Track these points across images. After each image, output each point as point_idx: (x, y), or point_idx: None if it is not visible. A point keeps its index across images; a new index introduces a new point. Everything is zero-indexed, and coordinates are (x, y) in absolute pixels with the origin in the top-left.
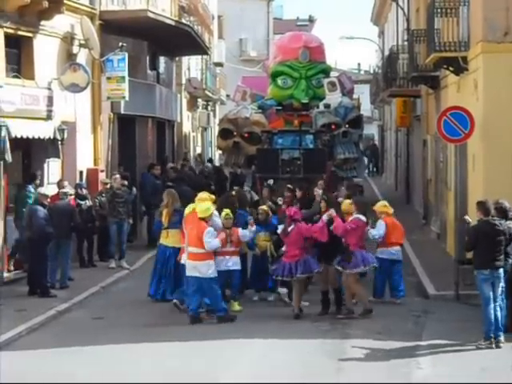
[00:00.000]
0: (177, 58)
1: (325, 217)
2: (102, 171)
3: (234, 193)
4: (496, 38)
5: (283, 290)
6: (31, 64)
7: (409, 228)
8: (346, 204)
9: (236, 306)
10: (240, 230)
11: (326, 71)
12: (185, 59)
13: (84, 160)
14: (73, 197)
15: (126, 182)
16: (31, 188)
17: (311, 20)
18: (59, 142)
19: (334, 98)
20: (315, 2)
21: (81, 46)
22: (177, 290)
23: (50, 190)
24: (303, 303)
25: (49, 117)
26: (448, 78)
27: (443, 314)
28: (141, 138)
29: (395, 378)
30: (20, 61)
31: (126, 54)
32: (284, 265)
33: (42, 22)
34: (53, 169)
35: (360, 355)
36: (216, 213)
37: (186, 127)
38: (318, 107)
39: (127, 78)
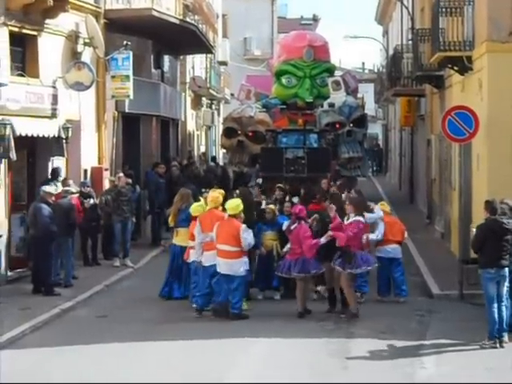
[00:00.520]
0: (181, 57)
1: (323, 239)
2: (106, 169)
3: (237, 191)
4: (501, 38)
5: (322, 288)
6: (36, 62)
7: (413, 227)
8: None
9: (245, 305)
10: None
11: (331, 70)
12: (189, 58)
13: (88, 158)
14: (76, 195)
15: (130, 181)
16: (53, 186)
17: (315, 19)
18: (64, 141)
19: (338, 97)
20: (319, 1)
21: (85, 44)
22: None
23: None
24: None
25: (53, 115)
26: (452, 77)
27: (447, 313)
28: (145, 137)
29: (399, 377)
30: (25, 59)
31: (131, 53)
32: (285, 262)
33: (47, 21)
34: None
35: (364, 354)
36: None
37: (190, 126)
38: (322, 106)
39: (132, 77)
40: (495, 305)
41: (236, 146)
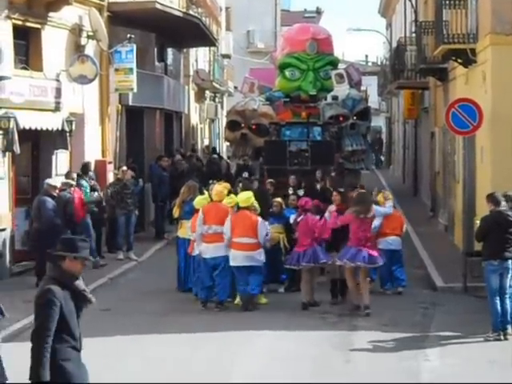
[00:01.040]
0: (184, 50)
1: (327, 214)
2: (109, 163)
3: (240, 184)
4: (505, 30)
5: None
6: (39, 55)
7: (416, 220)
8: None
9: (263, 299)
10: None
11: (334, 63)
12: (192, 51)
13: (92, 152)
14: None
15: (133, 174)
16: (83, 181)
17: (319, 12)
18: (67, 134)
19: (341, 90)
20: None
21: (89, 37)
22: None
23: (57, 181)
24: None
25: (57, 108)
26: (456, 70)
27: (451, 306)
28: (149, 130)
29: (403, 369)
30: (28, 52)
31: (134, 46)
32: (293, 254)
33: (50, 14)
34: (61, 160)
35: (368, 347)
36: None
37: (194, 119)
38: (325, 99)
39: (135, 70)
40: (497, 297)
41: (240, 139)
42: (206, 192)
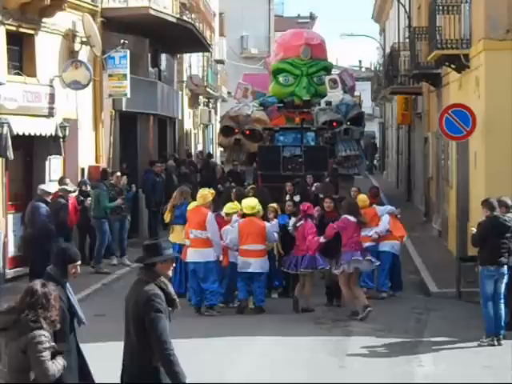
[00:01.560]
0: (178, 56)
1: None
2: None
3: (234, 190)
4: (498, 36)
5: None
6: (33, 61)
7: (410, 225)
8: (361, 200)
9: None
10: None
11: (328, 68)
12: (186, 56)
13: (86, 157)
14: (74, 194)
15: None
16: (103, 185)
17: (312, 17)
18: (61, 139)
19: (335, 96)
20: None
21: (82, 43)
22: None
23: (51, 187)
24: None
25: (50, 114)
26: (450, 75)
27: (445, 311)
28: (142, 135)
29: (397, 375)
30: (22, 58)
31: (128, 52)
32: (291, 258)
33: (44, 19)
34: (54, 166)
35: (362, 352)
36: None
37: (188, 124)
38: (319, 104)
39: (129, 76)
40: (491, 302)
41: (233, 144)
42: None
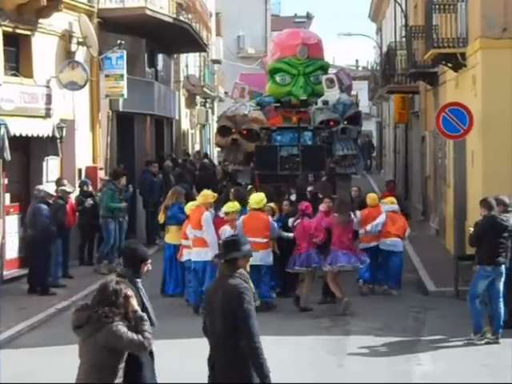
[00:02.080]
0: (175, 56)
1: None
2: (100, 169)
3: (232, 190)
4: (494, 34)
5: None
6: (29, 62)
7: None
8: (372, 198)
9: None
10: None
11: (325, 68)
12: (183, 56)
13: (83, 158)
14: (73, 195)
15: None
16: (111, 185)
17: (309, 17)
18: (58, 140)
19: (332, 95)
20: None
21: (79, 43)
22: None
23: (49, 187)
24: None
25: (47, 115)
26: (446, 74)
27: (443, 310)
28: (139, 136)
29: (396, 374)
30: (18, 59)
31: (125, 52)
32: (292, 257)
33: (40, 20)
34: (52, 167)
35: (361, 351)
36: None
37: (185, 124)
38: (316, 104)
39: (125, 76)
40: (478, 300)
41: (230, 144)
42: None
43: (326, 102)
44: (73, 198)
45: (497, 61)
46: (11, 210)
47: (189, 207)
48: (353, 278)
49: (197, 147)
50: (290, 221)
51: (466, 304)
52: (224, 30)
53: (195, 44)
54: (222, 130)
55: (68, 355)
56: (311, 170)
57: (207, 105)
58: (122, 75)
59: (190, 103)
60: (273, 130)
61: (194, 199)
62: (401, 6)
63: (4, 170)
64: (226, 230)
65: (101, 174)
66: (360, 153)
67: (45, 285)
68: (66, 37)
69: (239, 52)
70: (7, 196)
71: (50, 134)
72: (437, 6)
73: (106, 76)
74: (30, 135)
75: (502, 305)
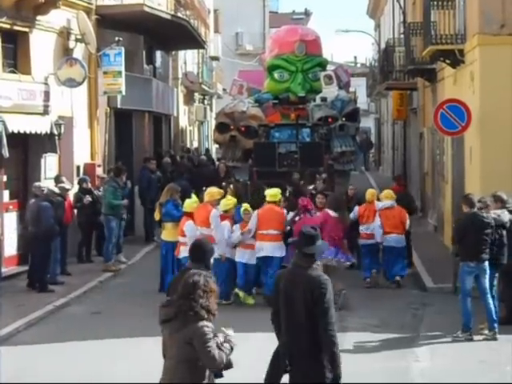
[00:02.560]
0: (173, 52)
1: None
2: (98, 166)
3: (231, 186)
4: (492, 31)
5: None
6: (28, 59)
7: None
8: (371, 193)
9: (250, 300)
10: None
11: (323, 64)
12: (181, 53)
13: (81, 155)
14: (71, 192)
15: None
16: (113, 182)
17: (307, 13)
18: (56, 137)
19: (330, 92)
20: None
21: (77, 40)
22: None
23: (51, 185)
24: None
25: (45, 112)
26: (444, 70)
27: (441, 306)
28: (137, 133)
29: (393, 370)
30: (16, 56)
31: (123, 49)
32: (288, 253)
33: (38, 17)
34: (50, 164)
35: (358, 348)
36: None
37: (183, 121)
38: (314, 100)
39: (124, 73)
40: (469, 298)
41: (229, 141)
42: (193, 195)
43: (324, 99)
44: (71, 195)
45: (495, 57)
46: (10, 206)
47: (189, 205)
48: (353, 273)
49: (195, 144)
50: (290, 216)
51: None
52: (222, 27)
53: (193, 41)
54: (220, 127)
55: (66, 352)
56: (309, 166)
57: (205, 102)
58: (120, 72)
59: (188, 100)
60: (271, 127)
61: (190, 196)
62: (399, 2)
63: (2, 167)
64: (226, 225)
65: (99, 170)
66: (358, 149)
67: (43, 282)
68: (64, 34)
69: (237, 49)
70: (6, 193)
71: (48, 131)
72: (435, 3)
73: (104, 73)
74: (28, 132)
75: (490, 300)
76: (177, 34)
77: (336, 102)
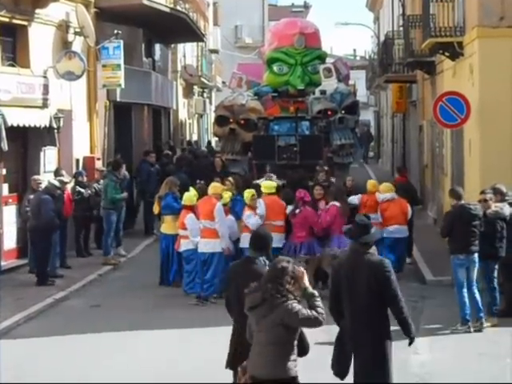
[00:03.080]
0: (172, 45)
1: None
2: (98, 159)
3: (231, 178)
4: (492, 23)
5: None
6: (26, 52)
7: None
8: (372, 184)
9: None
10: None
11: (322, 57)
12: (180, 46)
13: (80, 148)
14: (69, 186)
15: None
16: (112, 176)
17: (306, 6)
18: (55, 130)
19: (329, 84)
20: None
21: (76, 33)
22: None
23: (46, 178)
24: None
25: (45, 105)
26: (444, 63)
27: (440, 299)
28: (137, 126)
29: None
30: (15, 49)
31: (122, 42)
32: (290, 244)
33: (37, 10)
34: (49, 157)
35: None
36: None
37: (182, 114)
38: (313, 93)
39: (123, 66)
40: (465, 290)
41: (228, 134)
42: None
43: (323, 92)
44: (69, 188)
45: (494, 50)
46: (9, 200)
47: (189, 198)
48: None
49: (194, 137)
50: (289, 208)
51: None
52: (221, 20)
53: (192, 34)
54: (220, 120)
55: (65, 345)
56: (309, 159)
57: (205, 95)
58: (119, 65)
59: (188, 93)
60: (270, 120)
61: (188, 190)
62: None
63: (1, 161)
64: (230, 219)
65: (98, 164)
66: (358, 142)
67: (44, 275)
68: (63, 27)
69: (237, 42)
70: (5, 186)
71: (48, 125)
72: None
73: (103, 66)
74: (27, 125)
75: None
76: (176, 27)
77: (335, 95)
